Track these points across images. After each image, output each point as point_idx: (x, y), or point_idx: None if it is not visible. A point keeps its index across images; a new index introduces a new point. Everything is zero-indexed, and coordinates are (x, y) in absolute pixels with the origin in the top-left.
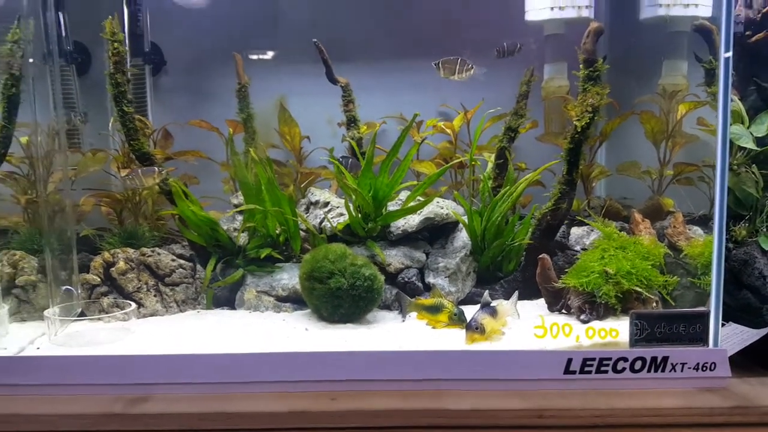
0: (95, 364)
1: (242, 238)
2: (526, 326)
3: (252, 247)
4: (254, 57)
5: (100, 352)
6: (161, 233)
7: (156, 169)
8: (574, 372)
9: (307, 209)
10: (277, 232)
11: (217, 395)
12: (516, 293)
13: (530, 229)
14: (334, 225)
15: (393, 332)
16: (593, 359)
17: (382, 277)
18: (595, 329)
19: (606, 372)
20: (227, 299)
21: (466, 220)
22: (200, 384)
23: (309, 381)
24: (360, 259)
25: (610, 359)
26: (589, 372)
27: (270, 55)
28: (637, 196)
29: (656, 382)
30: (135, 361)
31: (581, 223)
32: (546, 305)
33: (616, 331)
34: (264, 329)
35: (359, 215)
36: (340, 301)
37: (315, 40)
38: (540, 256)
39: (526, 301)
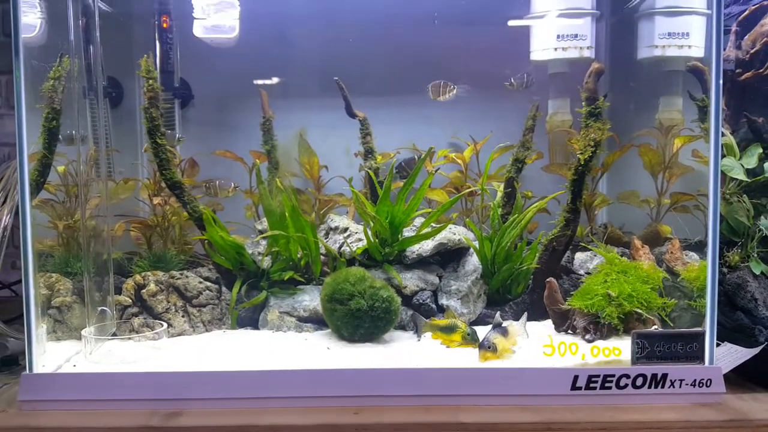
0: (132, 379)
1: (266, 262)
2: (535, 345)
3: (275, 270)
4: (277, 91)
5: (136, 369)
6: (188, 257)
7: (232, 183)
8: (580, 388)
9: (327, 234)
10: (299, 256)
11: (248, 409)
12: (525, 314)
13: (537, 254)
14: (353, 249)
15: (410, 351)
16: (598, 376)
17: (398, 299)
18: (599, 348)
19: (610, 388)
20: (251, 320)
21: (477, 246)
22: (232, 399)
23: (334, 396)
24: (378, 281)
25: (613, 376)
26: (594, 388)
27: (291, 89)
28: (637, 223)
29: (656, 398)
30: (170, 378)
31: (585, 249)
32: (553, 325)
33: (619, 349)
34: (288, 348)
35: (377, 240)
36: (360, 321)
37: (336, 78)
38: (547, 279)
39: (534, 322)
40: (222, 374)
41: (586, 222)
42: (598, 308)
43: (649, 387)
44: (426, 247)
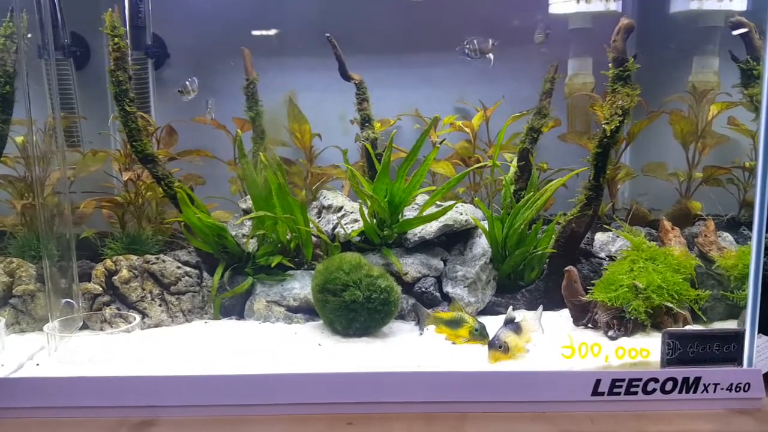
0: (98, 385)
1: (251, 245)
2: (551, 342)
3: (261, 254)
4: (262, 50)
5: (102, 372)
6: (166, 237)
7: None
8: (602, 393)
9: (319, 213)
10: (288, 238)
11: (228, 418)
12: (540, 308)
13: (554, 236)
14: (348, 232)
15: (410, 347)
16: (623, 380)
17: (398, 289)
18: (625, 349)
19: (636, 393)
20: (236, 309)
21: (486, 226)
22: (210, 406)
23: (324, 404)
24: (375, 269)
25: (640, 380)
26: (618, 393)
27: (279, 48)
28: (664, 198)
29: (688, 404)
30: (141, 382)
31: (606, 229)
32: (571, 318)
33: (647, 350)
34: (275, 344)
35: (374, 222)
36: (356, 314)
37: (328, 34)
38: (566, 268)
39: (549, 312)
40: (200, 379)
41: (606, 198)
42: (623, 301)
43: (680, 392)
44: (429, 228)
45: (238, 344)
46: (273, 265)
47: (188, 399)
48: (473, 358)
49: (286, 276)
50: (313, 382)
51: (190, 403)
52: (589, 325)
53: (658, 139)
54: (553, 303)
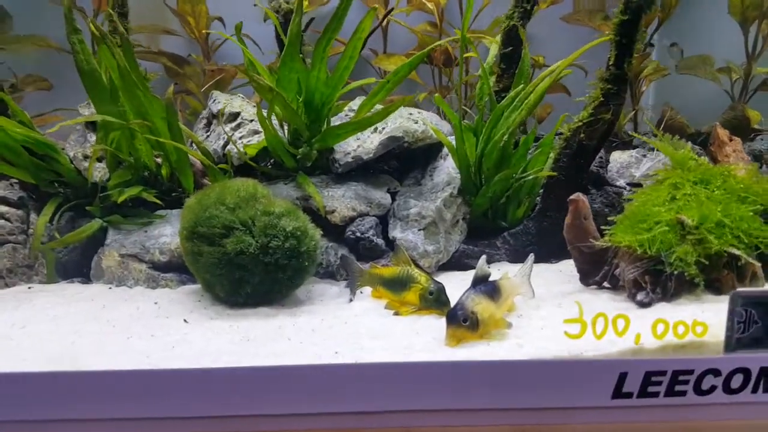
0: None
1: (99, 172)
2: (547, 312)
3: (114, 185)
4: None
5: None
6: None
7: None
8: (629, 395)
9: (209, 125)
10: (158, 162)
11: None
12: (530, 259)
13: (553, 155)
14: (242, 149)
15: (332, 323)
16: (662, 373)
17: (317, 234)
18: (667, 323)
19: (683, 394)
20: (80, 266)
21: (454, 143)
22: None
23: (175, 418)
24: (280, 203)
25: (691, 372)
26: (655, 394)
27: None
28: (701, 109)
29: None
30: None
31: (624, 147)
32: (578, 274)
33: (703, 325)
34: (120, 322)
35: (285, 135)
36: (245, 273)
37: None
38: (572, 197)
39: (543, 266)
40: None
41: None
42: (662, 247)
43: (755, 390)
44: (369, 145)
45: (66, 326)
46: (120, 200)
47: None
48: (425, 340)
49: (153, 219)
50: (156, 382)
51: None
52: (606, 284)
53: (704, 17)
54: (548, 252)
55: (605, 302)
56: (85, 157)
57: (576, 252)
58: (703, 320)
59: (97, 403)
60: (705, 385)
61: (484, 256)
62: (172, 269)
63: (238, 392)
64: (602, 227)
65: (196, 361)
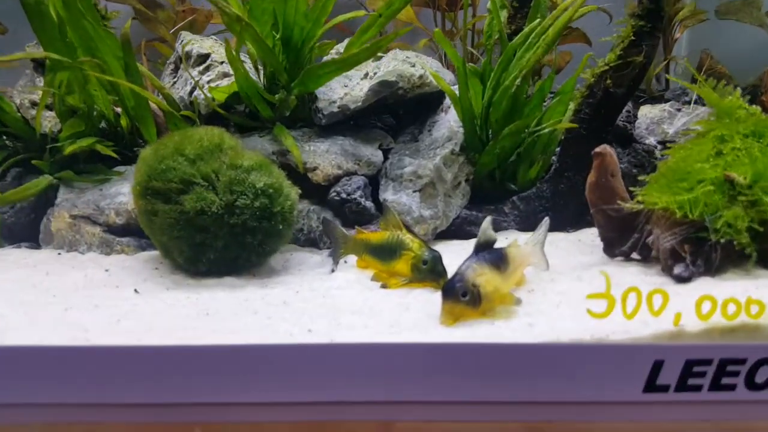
0: None
1: (49, 122)
2: (565, 287)
3: (66, 136)
4: None
5: None
6: None
7: None
8: (665, 389)
9: (176, 69)
10: (117, 111)
11: None
12: (545, 224)
13: (573, 105)
14: (209, 95)
15: (308, 296)
16: (707, 362)
17: (294, 192)
18: (714, 300)
19: (732, 388)
20: (29, 230)
21: (457, 91)
22: None
23: (114, 405)
24: (250, 155)
25: (743, 362)
26: (698, 388)
27: None
28: (744, 59)
29: None
30: None
31: (654, 101)
32: (602, 243)
33: (759, 303)
34: (62, 291)
35: (262, 78)
36: (207, 236)
37: None
38: (596, 149)
39: (559, 234)
40: None
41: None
42: (707, 210)
43: None
44: (358, 92)
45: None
46: (68, 151)
47: None
48: (416, 317)
49: (110, 176)
50: (95, 361)
51: None
52: (635, 254)
53: None
54: (564, 219)
55: (634, 276)
56: (33, 104)
57: (600, 216)
58: (758, 298)
59: (19, 384)
60: (759, 378)
61: (489, 218)
62: (130, 233)
63: (190, 375)
64: (631, 188)
65: (142, 337)
